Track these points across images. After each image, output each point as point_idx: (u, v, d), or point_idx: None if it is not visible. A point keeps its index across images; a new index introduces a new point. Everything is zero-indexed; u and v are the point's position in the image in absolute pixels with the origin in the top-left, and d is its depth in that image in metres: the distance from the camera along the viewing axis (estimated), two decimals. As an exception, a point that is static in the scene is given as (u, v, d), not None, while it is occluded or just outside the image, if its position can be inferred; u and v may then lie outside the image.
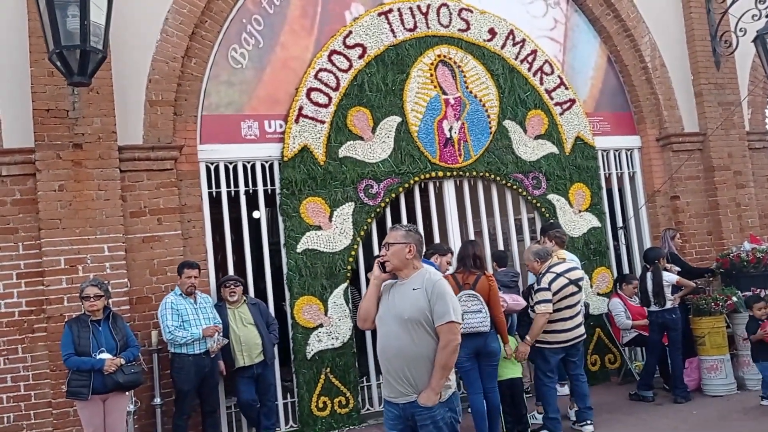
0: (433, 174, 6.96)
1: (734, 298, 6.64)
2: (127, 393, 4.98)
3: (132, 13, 5.89)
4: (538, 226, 7.49)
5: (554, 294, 5.45)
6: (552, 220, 7.13)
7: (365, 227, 6.62)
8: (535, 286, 5.62)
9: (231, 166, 6.39)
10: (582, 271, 5.92)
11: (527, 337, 5.45)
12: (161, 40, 6.01)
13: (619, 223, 8.08)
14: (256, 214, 6.85)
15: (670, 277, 6.43)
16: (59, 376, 5.22)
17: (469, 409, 5.16)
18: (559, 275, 5.51)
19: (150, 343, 5.57)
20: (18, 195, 5.45)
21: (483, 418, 5.06)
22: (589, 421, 5.55)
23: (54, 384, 5.27)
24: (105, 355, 4.80)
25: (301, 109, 6.51)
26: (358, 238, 6.58)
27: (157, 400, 5.51)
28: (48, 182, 5.43)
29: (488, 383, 5.19)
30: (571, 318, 5.54)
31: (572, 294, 5.55)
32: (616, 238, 8.09)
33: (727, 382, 6.49)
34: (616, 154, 8.02)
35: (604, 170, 7.89)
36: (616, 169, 8.01)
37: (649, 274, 6.52)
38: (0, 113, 5.46)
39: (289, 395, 6.42)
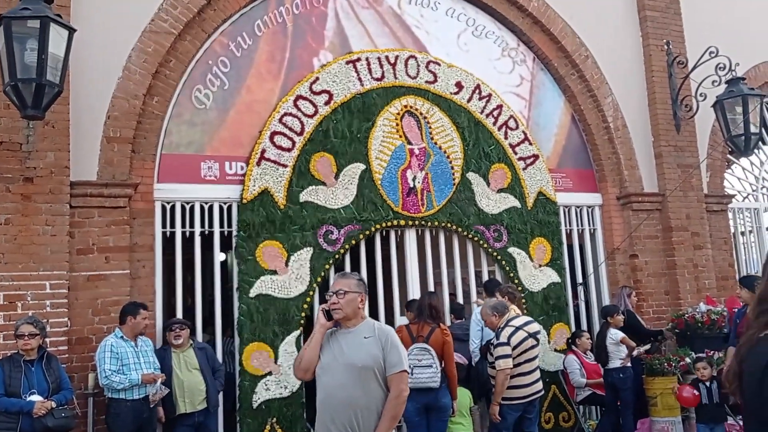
0: (395, 222, 6.93)
1: (687, 359, 6.65)
2: (57, 439, 4.75)
3: (94, 49, 5.84)
4: (499, 279, 7.49)
5: (514, 348, 5.41)
6: (492, 278, 7.15)
7: (323, 273, 6.53)
8: (494, 342, 5.56)
9: (188, 207, 6.29)
10: (539, 324, 5.90)
11: (493, 398, 5.38)
12: (123, 78, 5.95)
13: (579, 279, 8.10)
14: (221, 257, 6.72)
15: (615, 335, 6.42)
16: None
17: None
18: (518, 329, 5.49)
19: (87, 386, 5.37)
20: (-39, 227, 5.28)
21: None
22: (537, 483, 5.45)
23: (-18, 427, 5.02)
24: (36, 397, 4.60)
25: (263, 152, 6.47)
26: (315, 285, 6.48)
27: (91, 448, 5.29)
28: (-6, 215, 5.28)
29: (436, 440, 5.08)
30: (530, 372, 5.51)
31: (531, 347, 5.52)
32: (575, 294, 8.10)
33: (678, 446, 6.46)
34: (578, 210, 8.09)
35: (566, 226, 7.95)
36: (577, 226, 8.07)
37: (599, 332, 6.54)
38: (-50, 143, 5.32)
39: (232, 445, 6.22)
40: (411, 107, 7.19)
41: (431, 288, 7.14)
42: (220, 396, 6.05)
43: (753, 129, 7.50)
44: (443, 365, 5.14)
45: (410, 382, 4.84)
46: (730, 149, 8.43)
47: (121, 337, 5.37)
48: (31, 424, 4.54)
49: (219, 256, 6.41)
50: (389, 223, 6.90)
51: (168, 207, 6.20)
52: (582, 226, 8.10)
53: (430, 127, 7.24)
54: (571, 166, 8.12)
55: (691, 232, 8.20)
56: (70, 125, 5.62)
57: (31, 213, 5.38)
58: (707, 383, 6.03)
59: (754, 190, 9.34)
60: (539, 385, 5.57)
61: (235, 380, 6.20)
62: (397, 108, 7.11)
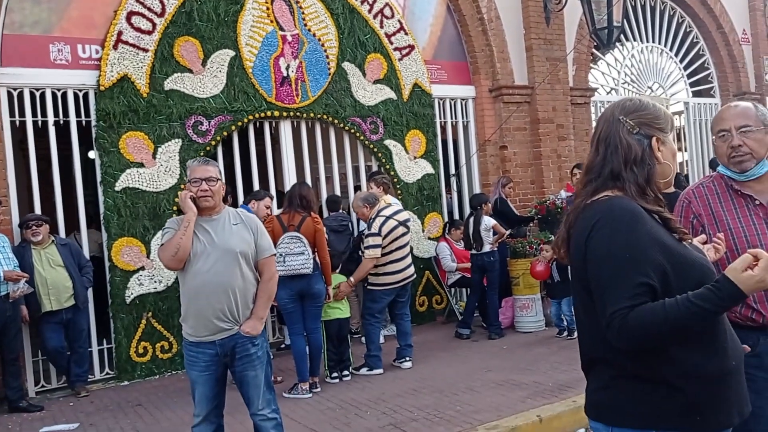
0: (269, 113, 6.74)
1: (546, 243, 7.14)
2: None
3: None
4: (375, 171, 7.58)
5: (385, 237, 5.54)
6: (379, 169, 7.24)
7: (193, 166, 6.28)
8: (365, 232, 5.68)
9: (38, 93, 5.76)
10: (408, 212, 6.06)
11: (351, 278, 5.53)
12: (-54, -59, 5.20)
13: (452, 170, 8.36)
14: (91, 155, 6.26)
15: (488, 222, 6.76)
16: None
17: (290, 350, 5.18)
18: (388, 218, 5.61)
19: (-63, 287, 4.99)
20: None
21: (303, 358, 5.09)
22: (408, 358, 5.79)
23: None
24: None
25: (120, 34, 5.98)
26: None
27: (-53, 349, 4.99)
28: None
29: (311, 323, 5.21)
30: (402, 259, 5.69)
31: (402, 235, 5.69)
32: (448, 185, 8.38)
33: (536, 320, 7.04)
34: (452, 103, 8.22)
35: (440, 118, 8.08)
36: (451, 118, 8.23)
37: (471, 219, 6.85)
38: None
39: (105, 341, 6.08)
40: (283, -10, 6.84)
41: (308, 181, 7.13)
42: (90, 292, 5.85)
43: (615, 23, 7.81)
44: (315, 253, 5.20)
45: (283, 269, 4.93)
46: (595, 43, 8.78)
47: (-29, 234, 4.98)
48: None
49: (77, 149, 5.99)
50: (262, 114, 6.70)
51: (15, 93, 5.65)
52: (456, 118, 8.27)
53: (303, 13, 6.96)
54: (446, 58, 8.17)
55: (557, 124, 8.61)
56: None
57: None
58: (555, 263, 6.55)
59: (616, 85, 9.87)
60: (411, 270, 5.80)
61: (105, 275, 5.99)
62: (268, -10, 6.74)
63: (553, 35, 8.55)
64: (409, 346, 5.83)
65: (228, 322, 3.23)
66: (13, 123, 5.66)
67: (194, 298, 3.24)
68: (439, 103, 8.06)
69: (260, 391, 3.31)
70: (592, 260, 1.58)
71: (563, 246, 1.71)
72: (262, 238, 3.39)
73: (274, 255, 3.49)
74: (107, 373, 6.02)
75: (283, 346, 6.73)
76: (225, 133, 6.49)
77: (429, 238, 7.77)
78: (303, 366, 5.09)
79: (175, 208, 6.18)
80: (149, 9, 6.12)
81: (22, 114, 5.68)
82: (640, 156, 1.65)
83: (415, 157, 7.72)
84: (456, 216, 8.20)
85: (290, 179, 6.95)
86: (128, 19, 6.01)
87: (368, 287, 5.69)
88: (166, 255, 3.23)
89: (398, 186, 7.46)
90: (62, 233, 5.87)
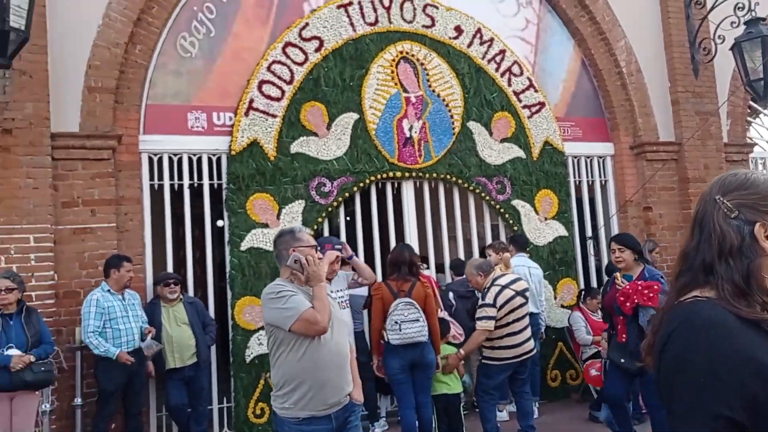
0: (391, 174, 6.70)
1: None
2: (36, 392, 4.72)
3: (71, -5, 5.65)
4: (502, 232, 7.24)
5: (500, 308, 5.14)
6: (521, 233, 6.91)
7: (315, 227, 6.35)
8: (479, 302, 5.33)
9: (176, 159, 6.14)
10: (526, 282, 5.61)
11: (461, 351, 5.18)
12: (103, 25, 5.77)
13: (589, 233, 7.79)
14: (219, 223, 6.59)
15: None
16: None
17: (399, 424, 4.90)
18: (504, 287, 5.22)
19: (75, 339, 5.32)
20: (-59, 180, 5.21)
21: (413, 432, 4.79)
22: (530, 440, 5.27)
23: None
24: (13, 351, 4.55)
25: (251, 101, 6.26)
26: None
27: (78, 401, 5.25)
28: (-27, 168, 5.19)
29: (422, 397, 4.91)
30: (520, 332, 5.23)
31: (520, 306, 5.26)
32: (586, 249, 7.80)
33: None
34: (588, 161, 7.74)
35: (575, 177, 7.61)
36: (587, 177, 7.72)
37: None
38: (-75, 94, 5.22)
39: (225, 400, 6.15)
40: (407, 53, 6.87)
41: (430, 243, 6.95)
42: (213, 350, 5.99)
43: (774, 72, 7.00)
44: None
45: (398, 337, 4.73)
46: (751, 95, 7.93)
47: (108, 290, 5.29)
48: (10, 378, 4.50)
49: (208, 211, 6.27)
50: (385, 175, 6.66)
51: (155, 159, 6.06)
52: (592, 177, 7.75)
53: (427, 74, 6.92)
54: (581, 115, 7.74)
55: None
56: (49, 75, 5.47)
57: (10, 165, 5.28)
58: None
59: (780, 139, 8.83)
60: (530, 345, 5.30)
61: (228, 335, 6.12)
62: (392, 54, 6.80)
63: (703, 87, 7.84)
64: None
65: (341, 393, 3.11)
66: (151, 186, 6.05)
67: (318, 369, 3.04)
68: (573, 162, 7.61)
69: None
70: (664, 380, 1.22)
71: (650, 353, 1.35)
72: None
73: None
74: (225, 432, 6.07)
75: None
76: (347, 194, 6.51)
77: (562, 306, 7.21)
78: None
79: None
80: (279, 77, 6.38)
81: (160, 178, 6.06)
82: (737, 246, 1.29)
83: (546, 218, 7.29)
84: (594, 283, 7.58)
85: (412, 240, 6.79)
86: (259, 87, 6.30)
87: (482, 361, 5.29)
88: (323, 322, 3.00)
89: (528, 249, 7.03)
90: (191, 292, 6.10)
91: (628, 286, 4.54)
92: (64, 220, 5.52)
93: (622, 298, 4.50)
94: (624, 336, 4.57)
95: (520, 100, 7.29)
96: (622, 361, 4.54)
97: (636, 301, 4.43)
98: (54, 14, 5.53)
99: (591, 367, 6.20)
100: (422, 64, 6.92)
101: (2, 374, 4.49)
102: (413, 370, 4.89)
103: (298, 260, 3.11)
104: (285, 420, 3.06)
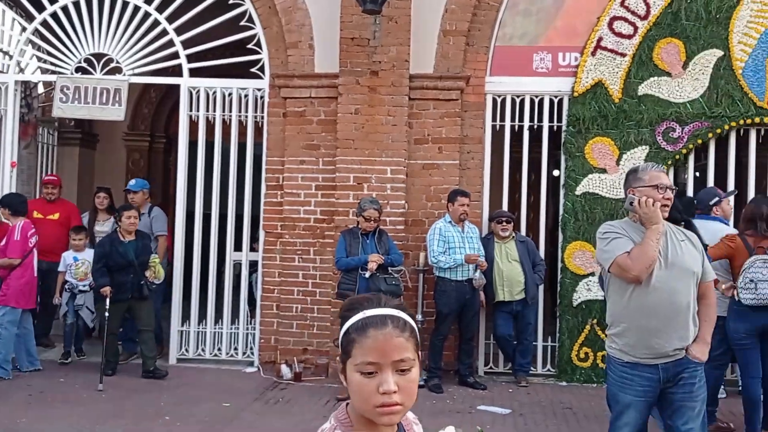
0: (758, 120, 5.84)
1: None
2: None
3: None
4: None
5: None
6: None
7: (659, 175, 5.90)
8: None
9: (518, 100, 6.23)
10: None
11: None
12: (461, -31, 6.02)
13: None
14: (555, 173, 6.63)
15: None
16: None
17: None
18: None
19: (418, 263, 5.91)
20: (322, 115, 6.12)
21: (756, 407, 4.28)
22: None
23: (335, 285, 5.94)
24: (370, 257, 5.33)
25: (600, 40, 5.99)
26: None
27: (419, 317, 5.85)
28: (347, 105, 5.98)
29: (770, 368, 4.35)
30: None
31: None
32: None
33: None
34: None
35: None
36: None
37: None
38: (315, 41, 6.13)
39: (550, 339, 6.25)
40: (794, -24, 5.79)
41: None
42: (540, 289, 6.11)
43: None
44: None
45: (752, 297, 4.25)
46: None
47: (450, 221, 5.74)
48: (367, 285, 5.25)
49: (546, 151, 6.27)
50: (749, 120, 5.84)
51: (498, 100, 6.23)
52: None
53: (819, 1, 5.76)
54: None
55: None
56: (411, 20, 5.96)
57: (376, 104, 5.96)
58: None
59: None
60: None
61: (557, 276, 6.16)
62: (774, -21, 5.80)
63: None
64: None
65: (677, 344, 2.97)
66: (493, 127, 6.26)
67: (644, 315, 2.99)
68: None
69: (696, 429, 2.98)
70: None
71: None
72: (706, 260, 3.15)
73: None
74: (548, 370, 6.18)
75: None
76: (699, 141, 5.89)
77: None
78: (755, 417, 4.29)
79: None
80: (633, 12, 5.95)
81: (502, 119, 6.23)
82: None
83: None
84: None
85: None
86: (610, 24, 5.97)
87: None
88: (641, 265, 2.91)
89: None
90: (523, 231, 6.24)
91: None
92: (416, 155, 6.07)
93: None
94: None
95: None
96: None
97: None
98: (418, -38, 5.96)
99: None
100: (813, -12, 5.77)
101: (361, 282, 5.29)
102: (764, 336, 4.34)
103: (633, 202, 3.02)
104: (612, 359, 3.11)
